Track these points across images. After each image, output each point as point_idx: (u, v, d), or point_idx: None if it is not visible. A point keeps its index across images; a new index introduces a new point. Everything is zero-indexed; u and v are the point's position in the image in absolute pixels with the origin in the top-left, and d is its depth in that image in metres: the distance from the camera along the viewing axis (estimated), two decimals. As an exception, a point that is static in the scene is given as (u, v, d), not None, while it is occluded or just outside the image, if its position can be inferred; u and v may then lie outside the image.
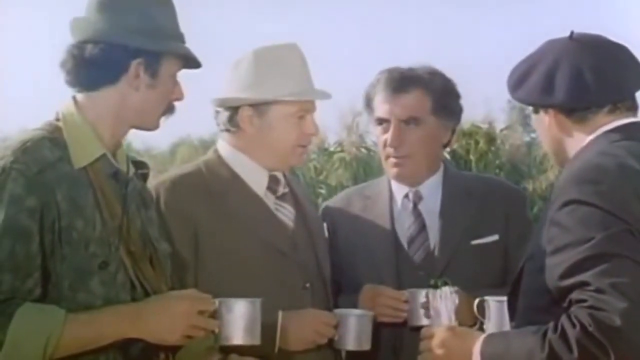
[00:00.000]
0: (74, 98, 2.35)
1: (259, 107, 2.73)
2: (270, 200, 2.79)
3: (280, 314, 2.61)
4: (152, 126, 2.41)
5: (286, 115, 2.74)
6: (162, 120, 2.42)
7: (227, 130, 2.79)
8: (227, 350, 2.47)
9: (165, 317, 2.20)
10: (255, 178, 2.78)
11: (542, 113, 2.26)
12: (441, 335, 2.23)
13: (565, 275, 2.01)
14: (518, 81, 2.27)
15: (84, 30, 2.32)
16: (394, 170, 2.96)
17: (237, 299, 2.31)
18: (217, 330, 2.29)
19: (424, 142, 2.95)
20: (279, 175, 2.83)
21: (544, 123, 2.26)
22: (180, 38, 2.38)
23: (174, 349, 2.34)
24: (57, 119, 2.34)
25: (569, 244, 2.02)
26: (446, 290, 2.74)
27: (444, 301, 2.72)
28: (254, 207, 2.76)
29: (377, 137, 3.02)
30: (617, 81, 2.22)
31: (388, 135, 2.93)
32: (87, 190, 2.26)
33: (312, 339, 2.68)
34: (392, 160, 2.95)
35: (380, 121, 2.96)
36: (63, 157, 2.26)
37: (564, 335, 1.97)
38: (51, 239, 2.19)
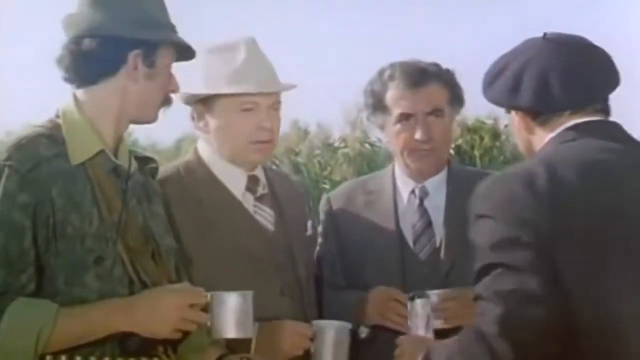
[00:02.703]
0: (74, 95, 2.36)
1: (207, 101, 2.72)
2: (249, 202, 2.76)
3: (255, 325, 2.53)
4: (151, 118, 2.41)
5: (232, 107, 2.70)
6: (161, 112, 2.42)
7: (197, 130, 2.78)
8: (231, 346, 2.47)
9: (156, 310, 2.20)
10: (233, 179, 2.76)
11: (512, 112, 2.26)
12: (403, 345, 2.51)
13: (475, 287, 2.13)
14: (490, 80, 2.26)
15: (78, 25, 2.33)
16: (419, 165, 2.93)
17: (229, 292, 2.30)
18: (209, 324, 2.27)
19: (446, 133, 2.96)
20: (259, 174, 2.80)
21: (514, 122, 2.27)
22: (172, 28, 2.39)
23: (172, 343, 2.33)
24: (57, 116, 2.35)
25: (475, 256, 2.14)
26: (417, 302, 2.74)
27: (419, 313, 2.72)
28: (231, 211, 2.73)
29: (395, 134, 2.93)
30: (585, 85, 2.19)
31: (417, 131, 2.88)
32: (85, 186, 2.27)
33: (288, 351, 2.63)
34: (419, 154, 2.91)
35: (402, 117, 2.90)
36: (60, 153, 2.27)
37: (467, 344, 2.07)
38: (46, 234, 2.20)
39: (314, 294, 2.90)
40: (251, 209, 2.76)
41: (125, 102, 2.35)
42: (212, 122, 2.73)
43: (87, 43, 2.30)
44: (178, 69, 2.47)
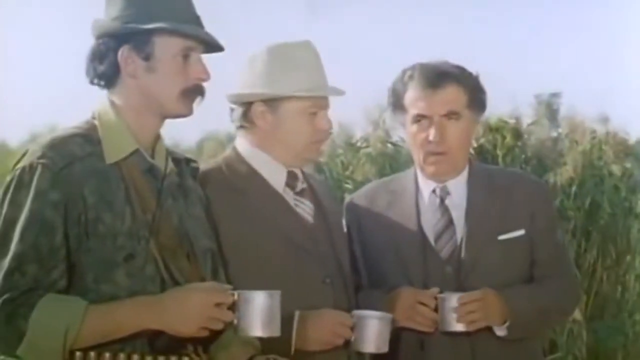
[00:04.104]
0: (109, 98, 2.39)
1: (272, 102, 2.75)
2: (289, 196, 2.81)
3: (296, 314, 2.61)
4: (177, 111, 2.39)
5: (298, 111, 2.75)
6: (196, 104, 2.40)
7: (242, 127, 2.81)
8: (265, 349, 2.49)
9: (182, 309, 2.21)
10: (274, 174, 2.80)
11: None
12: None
13: None
14: None
15: (92, 29, 2.38)
16: (433, 168, 2.94)
17: (256, 291, 2.30)
18: (236, 322, 2.28)
19: (463, 136, 2.95)
20: (297, 171, 2.85)
21: None
22: (179, 18, 2.34)
23: (202, 342, 2.34)
24: (94, 117, 2.38)
25: None
26: (448, 298, 2.79)
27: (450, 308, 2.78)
28: (273, 203, 2.78)
29: (412, 134, 2.96)
30: None
31: (430, 132, 2.90)
32: (119, 185, 2.29)
33: (329, 340, 2.66)
34: (433, 157, 2.92)
35: (418, 118, 2.92)
36: (94, 152, 2.30)
37: None
38: (77, 231, 2.23)
39: (354, 285, 2.92)
40: (292, 202, 2.80)
41: (139, 98, 2.36)
42: (275, 122, 2.77)
43: (91, 46, 2.36)
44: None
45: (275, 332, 2.33)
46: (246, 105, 2.78)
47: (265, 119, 2.76)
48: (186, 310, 2.21)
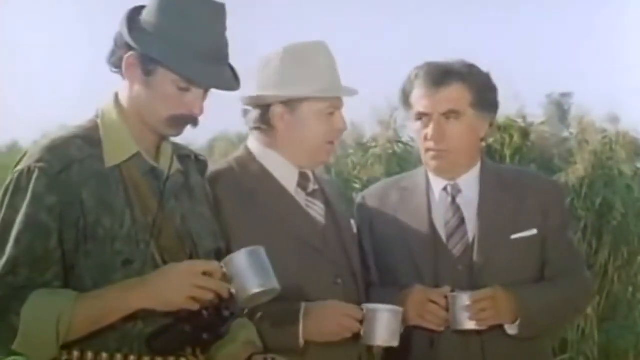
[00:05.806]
0: (115, 94, 2.38)
1: (291, 104, 2.76)
2: (300, 196, 2.81)
3: (302, 306, 2.62)
4: (163, 131, 2.37)
5: (317, 111, 2.76)
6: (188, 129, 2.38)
7: (258, 129, 2.81)
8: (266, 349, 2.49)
9: (168, 279, 2.19)
10: (286, 175, 2.80)
11: None
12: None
13: None
14: None
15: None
16: (434, 163, 2.96)
17: (238, 251, 2.26)
18: (233, 291, 2.23)
19: (464, 135, 2.94)
20: (309, 172, 2.86)
21: None
22: (197, 50, 2.29)
23: (201, 344, 2.33)
24: (97, 116, 2.37)
25: None
26: (459, 296, 2.79)
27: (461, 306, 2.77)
28: (285, 204, 2.78)
29: (416, 131, 2.99)
30: None
31: (429, 130, 2.92)
32: (118, 188, 2.29)
33: (335, 332, 2.66)
34: (432, 153, 2.94)
35: (420, 116, 2.94)
36: (94, 155, 2.29)
37: None
38: (75, 235, 2.23)
39: (365, 284, 2.92)
40: (303, 203, 2.81)
41: (136, 104, 2.34)
42: (293, 123, 2.77)
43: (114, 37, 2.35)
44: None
45: (273, 283, 2.27)
46: (263, 107, 2.79)
47: (284, 121, 2.77)
48: (172, 279, 2.18)
